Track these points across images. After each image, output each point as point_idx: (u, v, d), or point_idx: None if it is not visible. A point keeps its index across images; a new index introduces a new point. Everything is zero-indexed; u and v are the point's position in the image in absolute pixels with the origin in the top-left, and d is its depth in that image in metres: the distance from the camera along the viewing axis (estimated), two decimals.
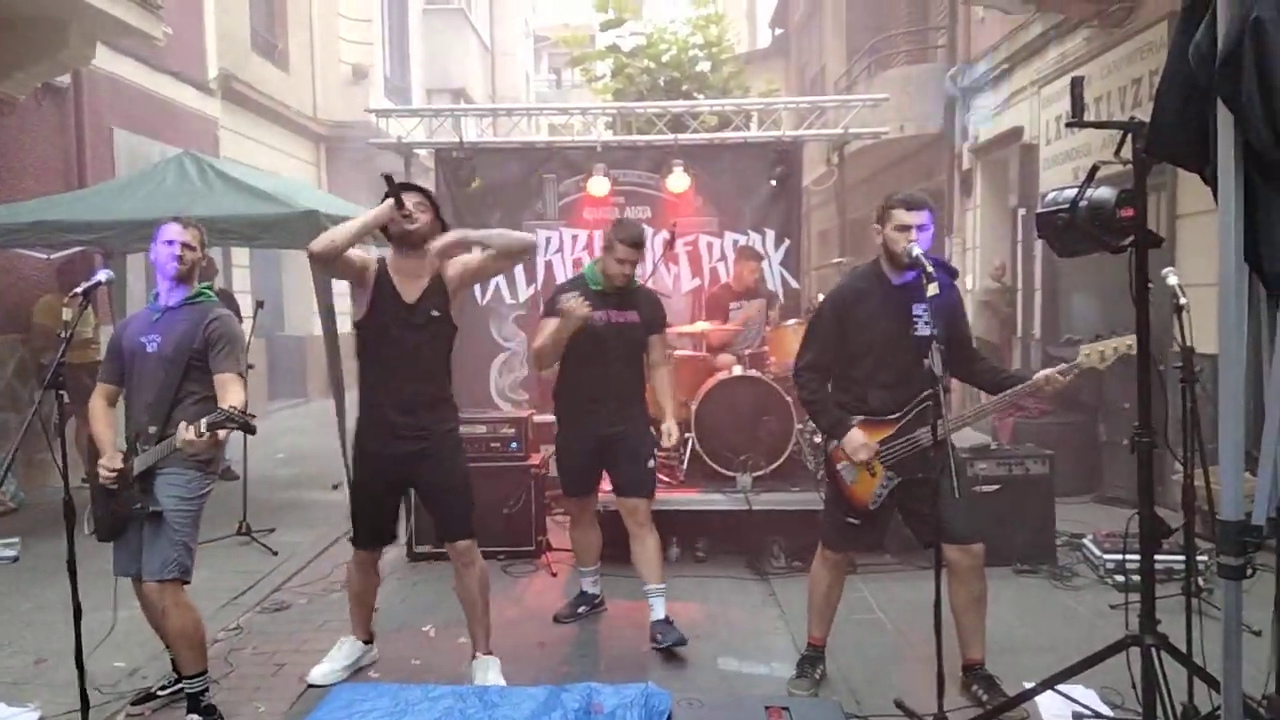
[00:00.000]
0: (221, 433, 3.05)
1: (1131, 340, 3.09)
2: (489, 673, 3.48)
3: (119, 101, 8.88)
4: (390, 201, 3.35)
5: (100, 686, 3.44)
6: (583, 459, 4.18)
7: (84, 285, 3.12)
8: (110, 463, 3.20)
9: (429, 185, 8.65)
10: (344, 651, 3.71)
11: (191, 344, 3.22)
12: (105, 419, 3.38)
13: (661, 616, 3.94)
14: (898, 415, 3.29)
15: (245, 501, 5.92)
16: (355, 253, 3.42)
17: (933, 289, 2.96)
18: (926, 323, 3.22)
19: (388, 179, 3.38)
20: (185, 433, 2.98)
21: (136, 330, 3.33)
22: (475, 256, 3.60)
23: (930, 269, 3.00)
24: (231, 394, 3.18)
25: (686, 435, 4.52)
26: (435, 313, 3.44)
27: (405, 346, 3.43)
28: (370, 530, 3.66)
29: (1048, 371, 3.26)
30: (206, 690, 3.28)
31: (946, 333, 3.21)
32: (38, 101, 7.73)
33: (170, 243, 3.31)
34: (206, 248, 3.47)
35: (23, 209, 6.33)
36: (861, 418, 3.31)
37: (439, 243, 3.52)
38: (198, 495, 3.26)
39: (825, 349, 3.37)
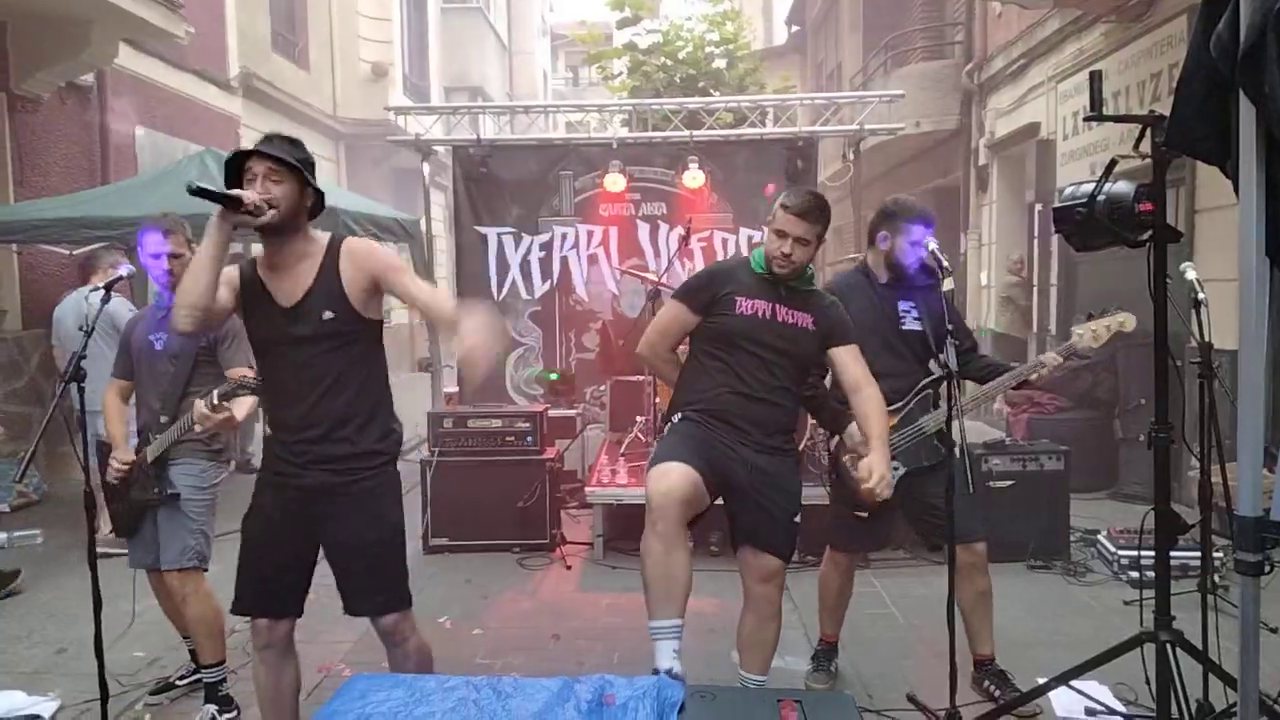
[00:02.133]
0: (238, 411, 3.01)
1: (1124, 318, 3.11)
2: None
3: (142, 100, 8.96)
4: (215, 216, 2.37)
5: (120, 676, 3.50)
6: (700, 436, 2.93)
7: (106, 280, 3.17)
8: (122, 456, 3.26)
9: (446, 183, 8.68)
10: None
11: (199, 340, 3.26)
12: (119, 415, 3.41)
13: None
14: (899, 405, 3.30)
15: None
16: (221, 292, 2.47)
17: (949, 284, 2.98)
18: (916, 318, 3.30)
19: (194, 192, 2.31)
20: (199, 407, 2.92)
21: (145, 328, 3.38)
22: (404, 277, 2.56)
23: (946, 264, 3.01)
24: (242, 400, 3.18)
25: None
26: (329, 314, 2.48)
27: (297, 362, 2.53)
28: (255, 586, 2.64)
29: (1041, 357, 3.29)
30: (224, 680, 3.33)
31: (934, 329, 3.22)
32: (62, 100, 7.82)
33: (157, 256, 3.30)
34: (191, 242, 3.38)
35: (47, 205, 6.42)
36: None
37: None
38: (211, 484, 3.34)
39: None
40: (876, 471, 2.86)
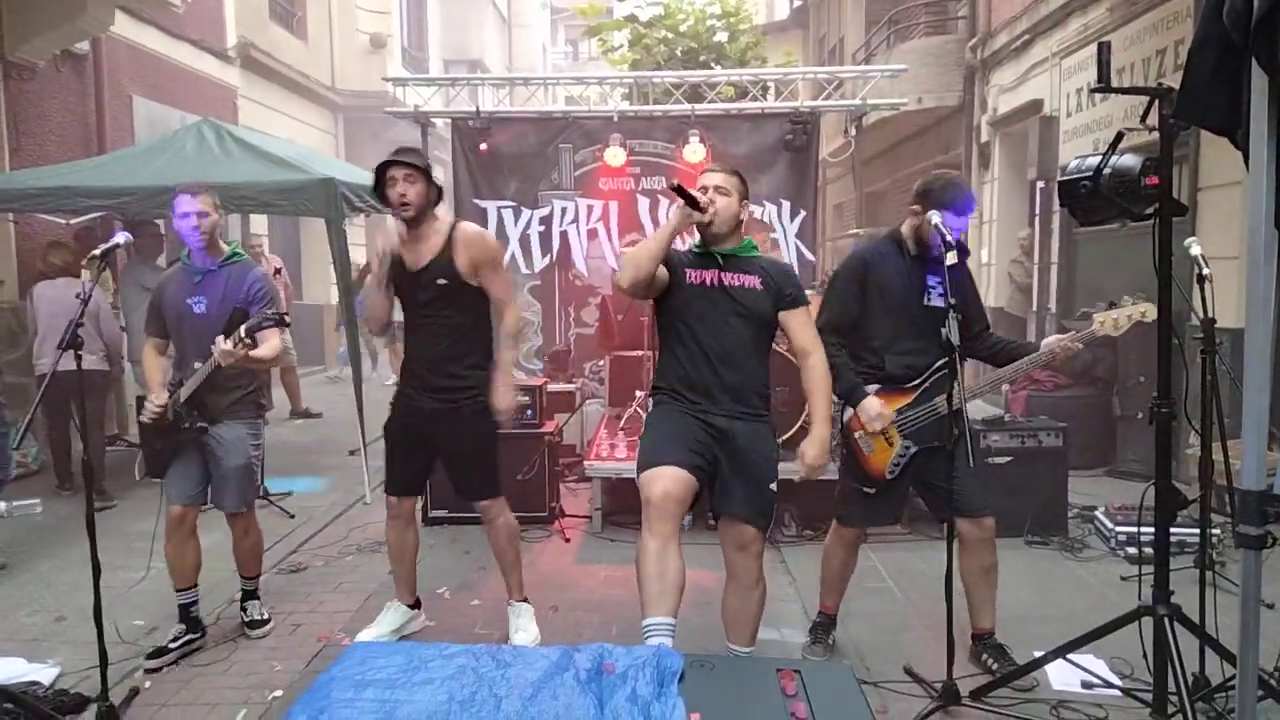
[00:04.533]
0: (262, 350, 3.45)
1: (1145, 308, 3.08)
2: (521, 619, 3.68)
3: (138, 69, 8.88)
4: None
5: (119, 644, 3.49)
6: (680, 424, 3.03)
7: (102, 248, 3.14)
8: (156, 399, 3.52)
9: (445, 156, 8.70)
10: (389, 618, 3.71)
11: (235, 302, 3.51)
12: (157, 364, 3.68)
13: None
14: (916, 383, 3.29)
15: (263, 465, 5.96)
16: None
17: (951, 257, 2.95)
18: (940, 294, 3.24)
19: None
20: (221, 343, 3.29)
21: (179, 292, 3.58)
22: (495, 273, 3.51)
23: (950, 237, 2.99)
24: (270, 342, 3.53)
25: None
26: (442, 280, 3.39)
27: (420, 312, 3.47)
28: (396, 476, 3.63)
29: (1057, 338, 3.26)
30: (258, 590, 3.87)
31: (960, 308, 3.19)
32: (57, 68, 7.73)
33: (185, 215, 3.51)
34: (220, 208, 3.67)
35: (44, 174, 6.36)
36: (879, 386, 3.30)
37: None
38: (261, 441, 3.77)
39: (844, 311, 3.36)
40: (809, 455, 3.05)
